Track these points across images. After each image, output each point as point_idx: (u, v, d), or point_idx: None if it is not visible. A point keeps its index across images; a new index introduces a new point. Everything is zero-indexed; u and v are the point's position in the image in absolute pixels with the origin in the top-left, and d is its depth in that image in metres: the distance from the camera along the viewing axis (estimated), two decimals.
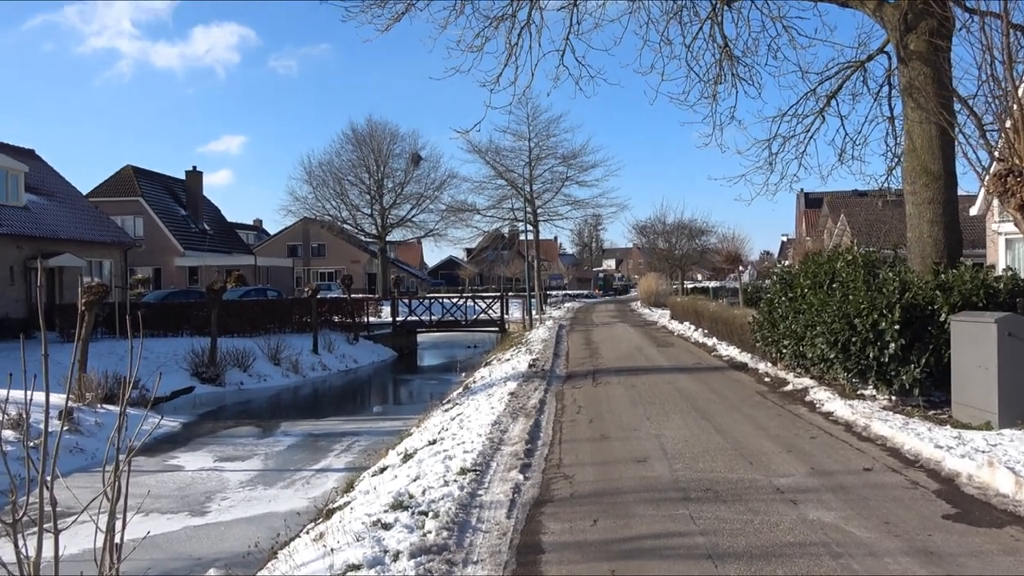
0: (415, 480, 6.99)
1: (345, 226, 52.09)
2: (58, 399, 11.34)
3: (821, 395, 10.34)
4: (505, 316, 33.89)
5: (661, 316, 33.09)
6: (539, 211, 43.85)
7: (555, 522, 5.53)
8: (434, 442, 9.03)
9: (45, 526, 2.94)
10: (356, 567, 4.76)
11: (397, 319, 33.06)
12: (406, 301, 35.49)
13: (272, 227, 70.70)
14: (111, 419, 13.99)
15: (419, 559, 4.80)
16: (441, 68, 77.58)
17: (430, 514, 5.71)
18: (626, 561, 4.69)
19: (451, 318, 33.62)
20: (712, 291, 41.97)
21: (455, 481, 6.66)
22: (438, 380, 23.55)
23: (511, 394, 11.95)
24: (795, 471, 6.72)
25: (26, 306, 24.47)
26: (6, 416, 10.15)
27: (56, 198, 28.82)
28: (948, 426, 7.96)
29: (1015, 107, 7.78)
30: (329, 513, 7.28)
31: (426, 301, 35.47)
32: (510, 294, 44.06)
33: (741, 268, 34.45)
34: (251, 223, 72.87)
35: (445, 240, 51.21)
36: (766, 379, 12.76)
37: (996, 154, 8.27)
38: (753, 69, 13.29)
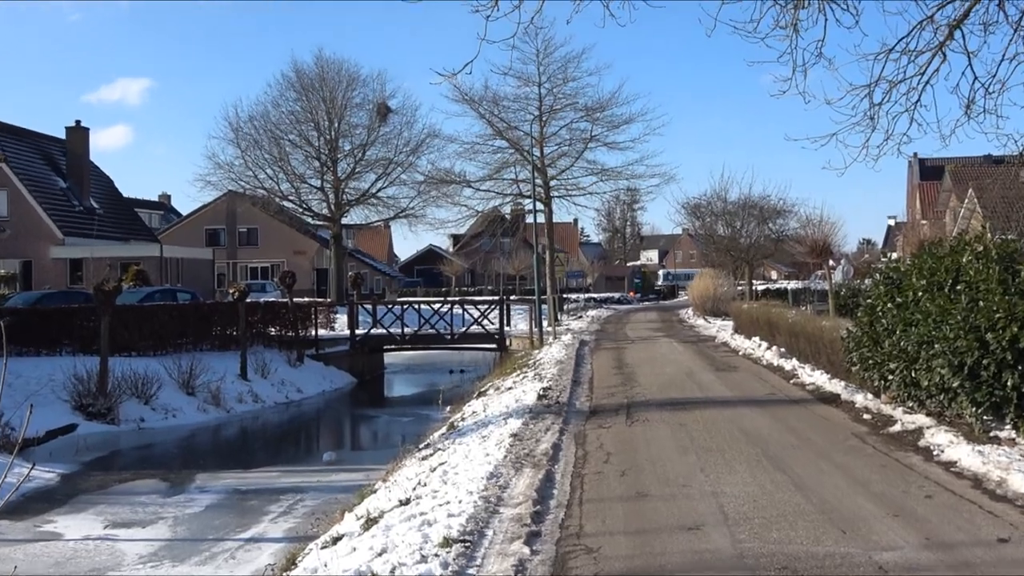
0: (380, 555, 7.02)
1: (286, 203, 52.03)
2: None
3: (940, 438, 10.36)
4: (506, 329, 33.95)
5: (721, 329, 33.18)
6: (552, 184, 43.73)
7: None
8: (407, 502, 9.07)
9: None
10: None
11: (357, 332, 33.11)
12: (369, 307, 35.59)
13: (184, 205, 70.90)
14: None
15: None
16: None
17: None
18: None
19: (431, 331, 33.66)
20: (792, 294, 42.06)
21: (436, 556, 6.69)
22: (413, 416, 23.56)
23: (514, 436, 11.99)
24: (904, 542, 6.74)
25: None
26: None
27: None
28: None
29: None
30: None
31: (397, 307, 35.57)
32: (513, 298, 44.15)
33: (832, 263, 34.42)
34: (156, 199, 73.10)
35: (423, 223, 50.93)
36: (865, 416, 12.80)
37: None
38: None
